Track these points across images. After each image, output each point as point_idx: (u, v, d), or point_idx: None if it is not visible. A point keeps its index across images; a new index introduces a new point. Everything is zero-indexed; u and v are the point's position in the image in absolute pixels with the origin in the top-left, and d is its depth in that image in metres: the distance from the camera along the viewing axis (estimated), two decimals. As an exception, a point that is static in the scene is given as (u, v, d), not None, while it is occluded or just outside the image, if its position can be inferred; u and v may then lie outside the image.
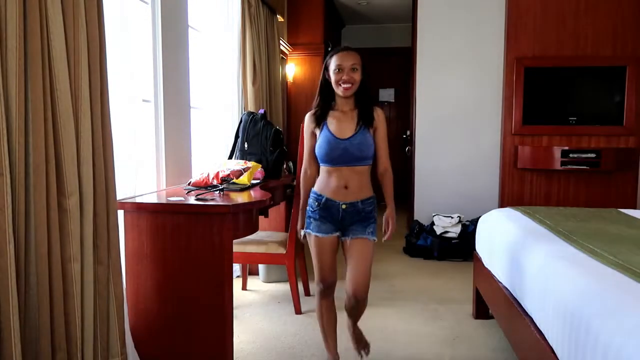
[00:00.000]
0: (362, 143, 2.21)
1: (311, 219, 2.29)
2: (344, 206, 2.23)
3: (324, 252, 2.29)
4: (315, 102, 2.32)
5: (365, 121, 2.24)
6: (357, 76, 2.21)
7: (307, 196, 2.34)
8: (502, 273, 2.53)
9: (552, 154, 4.64)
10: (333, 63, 2.22)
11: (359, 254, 2.26)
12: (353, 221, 2.25)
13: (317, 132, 2.27)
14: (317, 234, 2.27)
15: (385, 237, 2.32)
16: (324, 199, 2.25)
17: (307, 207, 2.31)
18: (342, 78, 2.19)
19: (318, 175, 2.32)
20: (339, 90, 2.22)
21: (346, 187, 2.23)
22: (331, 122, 2.25)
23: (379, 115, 2.29)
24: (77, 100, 1.87)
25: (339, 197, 2.24)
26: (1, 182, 1.56)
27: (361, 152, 2.21)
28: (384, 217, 2.34)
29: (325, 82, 2.28)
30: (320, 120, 2.27)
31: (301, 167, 2.42)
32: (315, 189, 2.30)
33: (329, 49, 6.12)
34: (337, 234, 2.29)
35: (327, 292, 2.36)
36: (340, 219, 2.25)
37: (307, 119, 2.32)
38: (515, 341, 2.26)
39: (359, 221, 2.25)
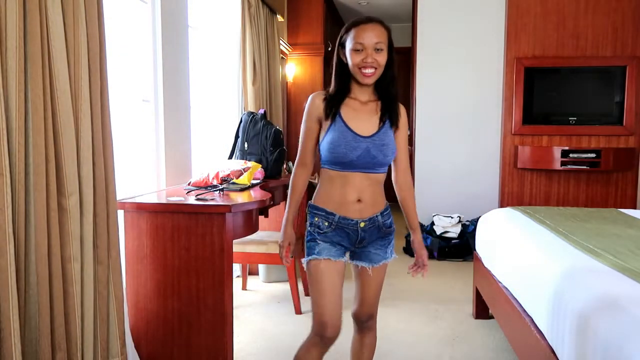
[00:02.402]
0: (387, 145, 1.72)
1: (318, 241, 1.76)
2: (362, 224, 1.75)
3: (335, 283, 1.73)
4: (332, 88, 1.77)
5: (390, 117, 1.75)
6: (382, 58, 1.68)
7: (298, 204, 1.85)
8: (502, 273, 2.53)
9: (552, 154, 4.64)
10: (351, 40, 1.68)
11: (379, 281, 1.85)
12: (372, 240, 1.80)
13: (326, 122, 1.73)
14: (329, 257, 1.74)
15: (423, 273, 1.89)
16: (336, 218, 1.75)
17: (310, 228, 1.78)
18: (365, 61, 1.66)
19: (313, 176, 1.87)
20: (358, 76, 1.69)
21: (359, 201, 1.74)
22: (347, 113, 1.72)
23: (403, 113, 1.81)
24: (77, 100, 1.87)
25: (354, 214, 1.75)
26: (1, 182, 1.56)
27: (385, 155, 1.72)
28: (416, 249, 1.89)
29: (340, 63, 1.75)
30: (331, 107, 1.72)
31: (297, 160, 1.85)
32: (321, 204, 1.77)
33: (329, 49, 6.12)
34: (345, 258, 1.81)
35: (326, 344, 1.75)
36: (358, 240, 1.78)
37: (315, 100, 1.76)
38: (515, 341, 2.26)
39: (379, 239, 1.81)
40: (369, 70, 1.67)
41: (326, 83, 6.12)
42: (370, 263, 1.81)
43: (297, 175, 1.83)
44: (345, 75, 1.74)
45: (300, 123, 1.83)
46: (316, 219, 1.77)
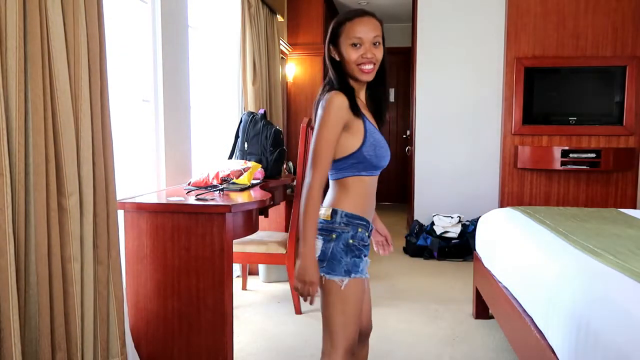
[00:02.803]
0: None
1: (362, 257, 1.60)
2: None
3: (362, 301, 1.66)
4: (338, 86, 1.59)
5: (381, 117, 1.70)
6: (380, 53, 1.57)
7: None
8: (502, 273, 2.53)
9: (552, 154, 4.64)
10: (347, 35, 1.56)
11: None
12: None
13: (356, 126, 1.56)
14: (367, 276, 1.64)
15: (389, 251, 1.90)
16: (371, 227, 1.64)
17: (354, 241, 1.57)
18: (364, 56, 1.54)
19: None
20: (356, 73, 1.57)
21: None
22: (365, 113, 1.62)
23: None
24: (77, 100, 1.87)
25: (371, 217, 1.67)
26: (1, 182, 1.56)
27: None
28: (383, 232, 1.89)
29: (333, 61, 1.61)
30: (356, 108, 1.56)
31: (316, 176, 1.52)
32: (360, 212, 1.59)
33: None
34: None
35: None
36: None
37: (341, 99, 1.53)
38: (515, 341, 2.26)
39: None
40: (368, 67, 1.55)
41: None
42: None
43: (318, 197, 1.52)
44: (342, 74, 1.60)
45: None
46: (360, 230, 1.59)
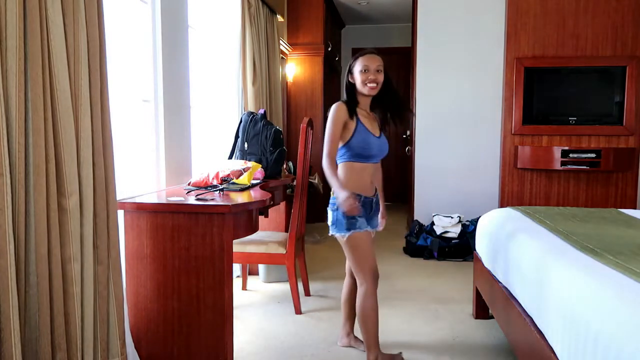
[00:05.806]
0: (386, 142, 2.49)
1: (356, 218, 2.33)
2: (373, 199, 2.47)
3: (372, 245, 2.46)
4: (346, 100, 2.42)
5: (384, 123, 2.51)
6: (382, 77, 2.37)
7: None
8: (502, 273, 2.53)
9: (552, 154, 4.64)
10: (359, 64, 2.36)
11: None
12: (376, 210, 2.53)
13: (351, 124, 2.34)
14: (368, 229, 2.41)
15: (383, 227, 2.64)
16: (362, 199, 2.37)
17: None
18: (369, 78, 2.34)
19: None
20: (364, 90, 2.36)
21: (371, 182, 2.44)
22: (363, 120, 2.39)
23: None
24: (77, 100, 1.87)
25: (369, 193, 2.43)
26: (1, 182, 1.56)
27: (387, 149, 2.48)
28: (382, 211, 2.62)
29: (349, 84, 2.43)
30: (352, 113, 2.36)
31: (328, 155, 2.32)
32: (353, 190, 2.31)
33: (329, 49, 6.13)
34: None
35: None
36: (372, 213, 2.46)
37: (341, 107, 2.35)
38: (515, 341, 2.26)
39: (377, 210, 2.54)
40: (372, 85, 2.35)
41: (326, 84, 6.12)
42: (376, 228, 2.54)
43: (333, 166, 2.33)
44: (354, 92, 2.42)
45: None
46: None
